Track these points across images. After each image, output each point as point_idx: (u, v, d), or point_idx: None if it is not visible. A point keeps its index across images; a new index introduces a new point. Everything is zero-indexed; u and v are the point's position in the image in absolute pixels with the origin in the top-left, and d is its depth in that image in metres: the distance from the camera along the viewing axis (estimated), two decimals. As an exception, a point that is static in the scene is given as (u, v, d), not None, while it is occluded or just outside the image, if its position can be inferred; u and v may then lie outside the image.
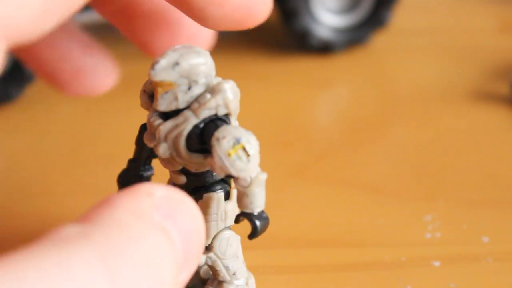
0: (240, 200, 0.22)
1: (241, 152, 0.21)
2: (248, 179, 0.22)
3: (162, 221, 0.19)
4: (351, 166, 0.37)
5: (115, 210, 0.18)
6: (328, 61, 0.49)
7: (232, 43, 0.51)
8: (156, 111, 0.22)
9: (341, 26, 0.50)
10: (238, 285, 0.26)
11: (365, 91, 0.47)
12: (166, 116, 0.22)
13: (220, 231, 0.24)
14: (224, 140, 0.21)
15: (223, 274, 0.25)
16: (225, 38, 0.52)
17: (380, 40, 0.52)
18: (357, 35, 0.50)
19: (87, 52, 0.27)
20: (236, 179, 0.22)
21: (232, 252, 0.25)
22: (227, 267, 0.25)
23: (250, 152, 0.21)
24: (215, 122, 0.22)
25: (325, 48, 0.49)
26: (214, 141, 0.21)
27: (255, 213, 0.23)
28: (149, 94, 0.23)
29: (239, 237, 0.25)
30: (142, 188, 0.19)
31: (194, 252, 0.20)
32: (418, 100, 0.44)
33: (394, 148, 0.39)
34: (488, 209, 0.33)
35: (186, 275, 0.20)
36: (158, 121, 0.22)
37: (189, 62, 0.21)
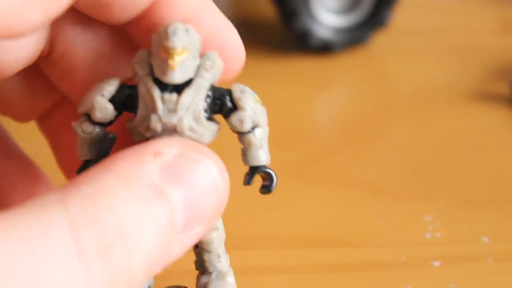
0: (253, 154, 0.23)
1: (259, 101, 0.23)
2: (262, 130, 0.23)
3: (163, 183, 0.19)
4: (351, 166, 0.37)
5: (107, 174, 0.18)
6: (328, 61, 0.49)
7: (232, 43, 0.51)
8: (159, 86, 0.22)
9: (341, 26, 0.50)
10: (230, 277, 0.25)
11: (365, 91, 0.47)
12: (169, 90, 0.22)
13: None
14: (247, 92, 0.22)
15: (224, 260, 0.24)
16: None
17: (380, 40, 0.52)
18: (357, 35, 0.50)
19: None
20: (251, 132, 0.22)
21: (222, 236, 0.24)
22: (221, 253, 0.24)
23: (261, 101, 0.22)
24: (216, 87, 0.22)
25: (325, 48, 0.49)
26: (239, 94, 0.22)
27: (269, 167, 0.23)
28: (109, 98, 0.23)
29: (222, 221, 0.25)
30: (149, 148, 0.19)
31: (206, 212, 0.20)
32: (418, 100, 0.44)
33: (394, 148, 0.39)
34: (488, 209, 0.33)
35: (193, 236, 0.20)
36: (174, 95, 0.21)
37: (191, 29, 0.22)
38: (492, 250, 0.30)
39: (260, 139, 0.23)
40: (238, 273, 0.29)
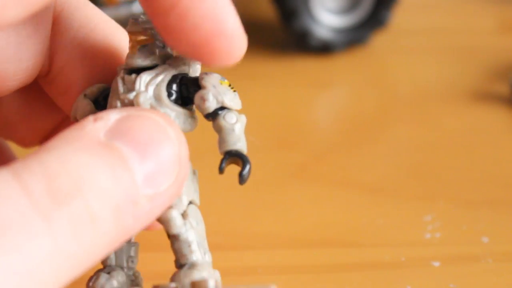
0: (226, 138, 0.22)
1: (228, 86, 0.22)
2: (234, 117, 0.22)
3: (109, 140, 0.18)
4: (351, 166, 0.37)
5: (50, 141, 0.18)
6: (328, 61, 0.49)
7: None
8: (124, 70, 0.22)
9: (341, 26, 0.50)
10: (210, 263, 0.23)
11: (365, 91, 0.47)
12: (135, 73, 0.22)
13: (192, 200, 0.23)
14: (212, 75, 0.22)
15: (196, 252, 0.22)
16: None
17: (380, 40, 0.52)
18: (357, 35, 0.50)
19: None
20: (222, 116, 0.22)
21: (201, 231, 0.23)
22: (200, 243, 0.22)
23: (234, 89, 0.22)
24: (190, 77, 0.23)
25: (325, 48, 0.49)
26: (203, 75, 0.22)
27: (244, 153, 0.22)
28: (92, 99, 0.23)
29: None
30: (88, 117, 0.19)
31: (167, 164, 0.19)
32: (418, 100, 0.44)
33: (394, 148, 0.39)
34: (487, 209, 0.33)
35: (164, 193, 0.19)
36: (133, 74, 0.22)
37: None
38: (492, 250, 0.30)
39: (231, 123, 0.22)
40: (238, 273, 0.29)
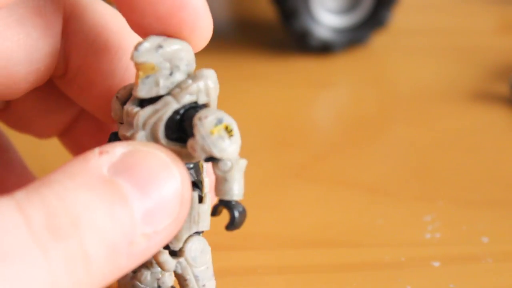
0: (218, 187, 0.21)
1: (223, 132, 0.20)
2: (229, 163, 0.21)
3: (112, 176, 0.18)
4: (351, 166, 0.37)
5: (53, 173, 0.18)
6: (328, 61, 0.49)
7: (232, 43, 0.51)
8: (132, 101, 0.22)
9: (341, 26, 0.50)
10: None
11: (365, 91, 0.47)
12: (144, 105, 0.22)
13: (192, 235, 0.23)
14: (207, 120, 0.20)
15: (192, 285, 0.23)
16: (225, 38, 0.52)
17: (380, 40, 0.52)
18: (357, 35, 0.50)
19: None
20: (215, 163, 0.21)
21: (204, 261, 0.23)
22: (197, 277, 0.23)
23: (232, 132, 0.20)
24: (196, 108, 0.21)
25: (325, 48, 0.49)
26: (196, 120, 0.20)
27: (233, 202, 0.21)
28: (122, 102, 0.23)
29: (210, 248, 0.24)
30: (94, 149, 0.19)
31: (168, 204, 0.19)
32: (418, 100, 0.44)
33: (394, 148, 0.39)
34: (487, 210, 0.33)
35: (163, 231, 0.19)
36: (136, 108, 0.21)
37: (172, 46, 0.21)
38: (492, 250, 0.30)
39: (223, 171, 0.21)
40: (238, 273, 0.29)
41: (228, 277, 0.28)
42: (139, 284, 0.24)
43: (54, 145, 0.31)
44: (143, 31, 0.22)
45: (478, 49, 0.51)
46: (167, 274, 0.24)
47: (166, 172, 0.19)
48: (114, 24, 0.25)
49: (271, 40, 0.52)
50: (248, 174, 0.36)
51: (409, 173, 0.36)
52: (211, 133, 0.20)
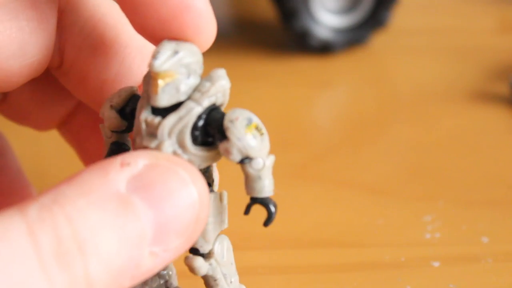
0: (251, 185, 0.21)
1: (255, 131, 0.21)
2: (261, 161, 0.21)
3: (131, 194, 0.18)
4: (351, 166, 0.37)
5: (68, 186, 0.18)
6: (328, 61, 0.49)
7: (232, 43, 0.51)
8: (146, 110, 0.21)
9: (341, 26, 0.50)
10: None
11: (365, 91, 0.47)
12: (160, 113, 0.21)
13: (219, 234, 0.23)
14: (238, 121, 0.20)
15: (222, 283, 0.24)
16: (225, 38, 0.52)
17: (380, 40, 0.52)
18: (357, 35, 0.50)
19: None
20: (249, 162, 0.21)
21: (228, 258, 0.24)
22: (225, 274, 0.24)
23: (262, 130, 0.21)
24: (217, 110, 0.21)
25: (325, 48, 0.49)
26: (228, 123, 0.20)
27: (268, 198, 0.22)
28: (118, 110, 0.23)
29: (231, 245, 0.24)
30: (117, 159, 0.19)
31: (182, 224, 0.19)
32: (418, 100, 0.44)
33: (394, 148, 0.39)
34: (487, 209, 0.33)
35: (172, 250, 0.19)
36: (157, 118, 0.21)
37: (188, 49, 0.21)
38: (492, 250, 0.30)
39: (257, 170, 0.21)
40: (238, 273, 0.29)
41: (228, 277, 0.28)
42: None
43: (53, 144, 0.31)
44: (147, 33, 0.22)
45: (478, 49, 0.51)
46: (173, 275, 0.24)
47: (184, 191, 0.19)
48: (111, 17, 0.25)
49: (271, 40, 0.52)
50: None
51: (409, 173, 0.36)
52: (245, 134, 0.20)
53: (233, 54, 0.49)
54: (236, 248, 0.30)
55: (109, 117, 0.23)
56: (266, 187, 0.21)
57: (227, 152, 0.21)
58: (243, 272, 0.29)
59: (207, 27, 0.22)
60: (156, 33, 0.21)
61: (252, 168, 0.21)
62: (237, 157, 0.21)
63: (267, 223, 0.22)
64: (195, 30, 0.21)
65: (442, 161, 0.37)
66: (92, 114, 0.28)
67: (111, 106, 0.23)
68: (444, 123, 0.42)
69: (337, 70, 0.49)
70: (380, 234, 0.31)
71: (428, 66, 0.49)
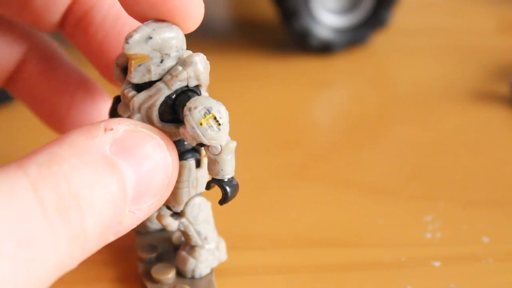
0: (210, 167, 0.23)
1: (212, 121, 0.22)
2: (219, 147, 0.23)
3: (114, 156, 0.20)
4: (351, 166, 0.37)
5: (60, 146, 0.19)
6: (328, 61, 0.49)
7: (232, 43, 0.51)
8: (129, 83, 0.23)
9: (341, 26, 0.50)
10: (209, 249, 0.27)
11: (365, 91, 0.47)
12: (139, 88, 0.23)
13: (192, 197, 0.25)
14: (196, 110, 0.22)
15: (195, 239, 0.26)
16: (225, 38, 0.52)
17: (380, 40, 0.52)
18: (357, 35, 0.50)
19: (80, 87, 0.29)
20: (207, 147, 0.23)
21: (203, 218, 0.26)
22: (199, 232, 0.26)
23: (221, 121, 0.22)
24: (187, 93, 0.23)
25: (325, 48, 0.49)
26: (186, 111, 0.22)
27: (225, 180, 0.23)
28: (122, 68, 0.24)
29: (210, 203, 0.26)
30: (100, 124, 0.20)
31: (156, 186, 0.21)
32: (418, 100, 0.44)
33: (394, 148, 0.39)
34: (488, 209, 0.33)
35: (145, 209, 0.21)
36: (132, 92, 0.23)
37: (161, 36, 0.22)
38: (492, 250, 0.30)
39: (214, 154, 0.23)
40: (238, 273, 0.29)
41: (228, 277, 0.28)
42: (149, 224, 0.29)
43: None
44: (138, 16, 0.23)
45: (478, 49, 0.51)
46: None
47: (162, 159, 0.21)
48: None
49: (271, 40, 0.52)
50: (248, 174, 0.36)
51: (409, 173, 0.36)
52: (200, 124, 0.22)
53: (233, 54, 0.49)
54: (236, 248, 0.30)
55: (115, 74, 0.25)
56: (223, 171, 0.23)
57: (184, 137, 0.23)
58: (243, 272, 0.29)
59: (195, 10, 0.23)
60: (147, 16, 0.23)
61: (209, 152, 0.23)
62: (192, 142, 0.22)
63: (221, 202, 0.24)
64: (183, 13, 0.22)
65: (443, 161, 0.37)
66: (40, 62, 0.29)
67: (117, 64, 0.25)
68: (444, 123, 0.42)
69: (337, 70, 0.49)
70: (380, 234, 0.31)
71: (428, 66, 0.49)
